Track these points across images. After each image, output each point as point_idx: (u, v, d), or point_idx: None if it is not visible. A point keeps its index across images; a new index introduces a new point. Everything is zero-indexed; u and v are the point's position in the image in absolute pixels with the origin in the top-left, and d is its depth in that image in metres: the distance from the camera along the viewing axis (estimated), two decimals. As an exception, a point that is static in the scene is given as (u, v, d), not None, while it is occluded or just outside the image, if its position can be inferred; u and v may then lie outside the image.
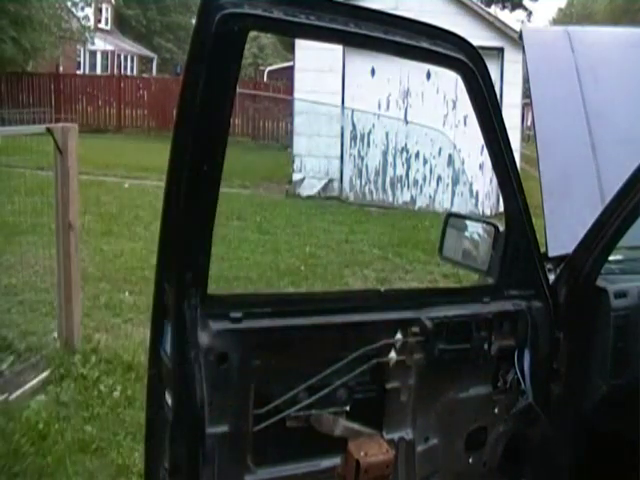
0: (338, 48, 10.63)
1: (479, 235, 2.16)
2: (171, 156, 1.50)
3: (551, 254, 2.19)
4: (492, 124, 1.88)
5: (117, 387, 3.98)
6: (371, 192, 12.00)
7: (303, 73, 11.90)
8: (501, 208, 2.12)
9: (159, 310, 1.60)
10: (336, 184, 12.10)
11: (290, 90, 13.73)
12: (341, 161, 12.06)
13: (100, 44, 30.28)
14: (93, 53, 32.01)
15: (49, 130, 4.20)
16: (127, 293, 5.90)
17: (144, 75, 30.91)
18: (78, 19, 25.21)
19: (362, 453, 1.75)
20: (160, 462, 1.63)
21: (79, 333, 4.49)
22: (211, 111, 1.47)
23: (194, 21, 1.50)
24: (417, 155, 11.69)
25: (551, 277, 2.11)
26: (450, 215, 2.31)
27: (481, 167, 11.09)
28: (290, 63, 14.85)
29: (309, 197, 11.82)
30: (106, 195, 10.66)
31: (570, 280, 2.08)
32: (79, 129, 4.46)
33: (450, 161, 11.76)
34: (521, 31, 2.95)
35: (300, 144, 12.17)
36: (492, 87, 1.87)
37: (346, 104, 11.82)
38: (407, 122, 11.82)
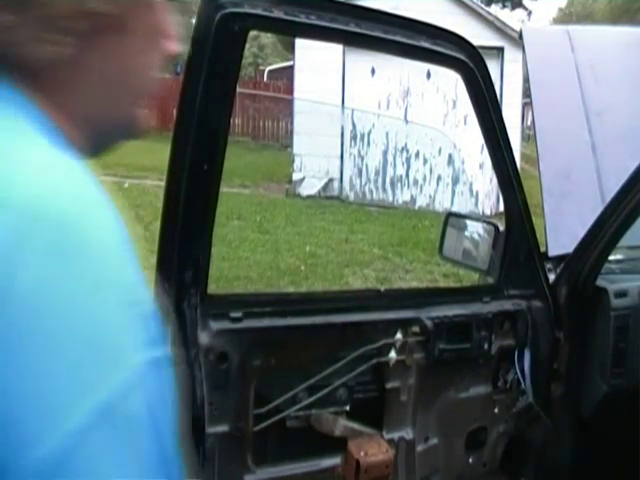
0: (338, 48, 10.62)
1: (479, 235, 2.16)
2: (171, 156, 1.50)
3: (551, 254, 2.19)
4: (492, 124, 1.88)
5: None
6: (371, 192, 11.98)
7: (303, 73, 11.89)
8: (501, 208, 2.12)
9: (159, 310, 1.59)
10: (336, 184, 12.08)
11: (290, 90, 13.72)
12: (341, 161, 12.04)
13: (100, 44, 30.27)
14: (93, 53, 32.02)
15: (49, 130, 4.19)
16: (127, 293, 5.89)
17: (144, 75, 30.87)
18: (78, 19, 25.24)
19: (362, 453, 1.75)
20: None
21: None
22: (211, 111, 1.47)
23: (194, 21, 1.49)
24: (417, 155, 11.68)
25: (551, 277, 2.11)
26: (450, 215, 2.31)
27: (481, 167, 11.08)
28: (290, 63, 14.84)
29: (309, 197, 11.80)
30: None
31: (570, 280, 2.08)
32: (79, 129, 4.46)
33: (450, 160, 11.74)
34: (521, 31, 2.94)
35: (300, 144, 12.16)
36: (492, 87, 1.87)
37: (346, 104, 11.80)
38: (407, 122, 11.81)
